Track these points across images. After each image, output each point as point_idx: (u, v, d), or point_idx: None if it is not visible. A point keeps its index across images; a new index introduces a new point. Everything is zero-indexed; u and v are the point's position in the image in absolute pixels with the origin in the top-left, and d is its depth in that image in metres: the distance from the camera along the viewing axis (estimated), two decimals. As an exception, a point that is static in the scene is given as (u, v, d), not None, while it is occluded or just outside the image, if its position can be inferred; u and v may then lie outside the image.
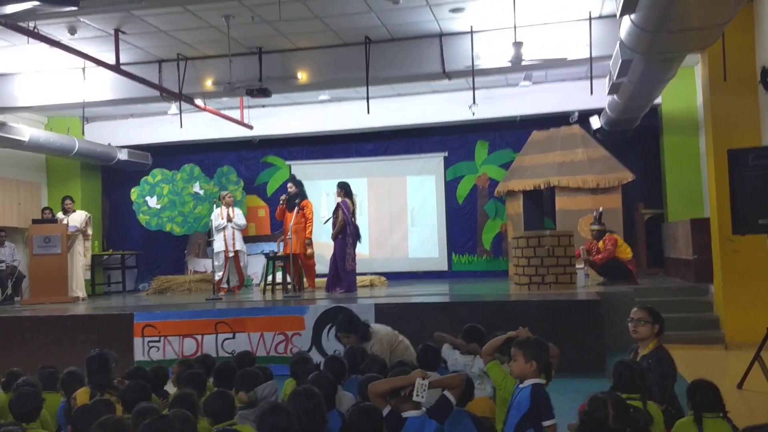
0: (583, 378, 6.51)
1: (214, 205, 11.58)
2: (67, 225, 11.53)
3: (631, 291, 9.01)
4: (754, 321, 7.59)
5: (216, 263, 11.19)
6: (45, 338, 8.55)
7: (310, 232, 10.61)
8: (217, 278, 11.09)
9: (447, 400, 3.71)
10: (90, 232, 12.24)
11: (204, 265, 13.45)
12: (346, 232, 10.08)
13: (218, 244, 11.24)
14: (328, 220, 10.61)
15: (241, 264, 11.70)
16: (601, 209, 10.50)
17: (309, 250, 10.61)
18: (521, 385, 3.82)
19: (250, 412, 4.13)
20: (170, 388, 5.06)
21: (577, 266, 9.88)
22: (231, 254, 11.37)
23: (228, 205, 11.58)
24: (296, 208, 10.39)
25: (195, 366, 5.24)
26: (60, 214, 11.96)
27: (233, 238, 11.42)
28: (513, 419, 3.72)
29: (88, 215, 12.18)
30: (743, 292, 8.24)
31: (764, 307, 6.42)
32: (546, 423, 3.63)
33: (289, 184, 10.86)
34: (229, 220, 11.35)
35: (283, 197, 10.81)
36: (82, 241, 11.94)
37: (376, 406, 3.50)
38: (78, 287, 11.66)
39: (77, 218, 11.86)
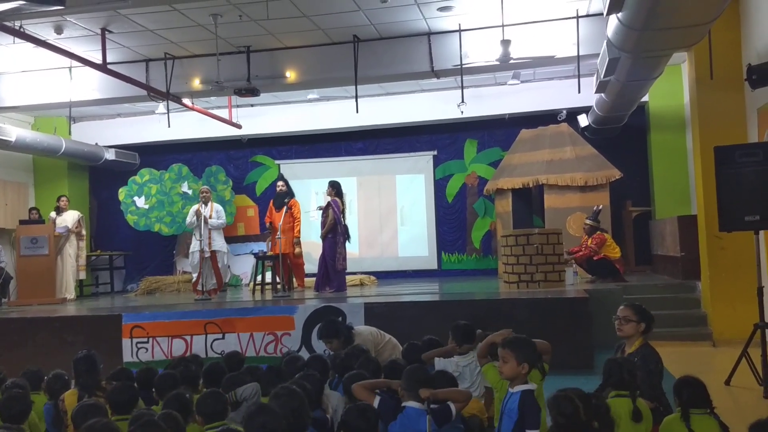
0: (572, 375, 6.53)
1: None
2: (54, 226, 11.45)
3: (619, 288, 9.05)
4: (741, 317, 7.64)
5: (191, 263, 10.78)
6: (33, 340, 8.48)
7: (299, 231, 10.57)
8: (193, 278, 10.76)
9: (449, 410, 3.83)
10: (84, 232, 12.14)
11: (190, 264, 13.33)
12: (336, 231, 10.05)
13: (193, 244, 10.62)
14: (319, 208, 10.43)
15: (220, 265, 10.78)
16: (600, 207, 10.53)
17: (297, 249, 10.58)
18: (512, 390, 3.78)
19: (237, 413, 4.11)
20: None
21: (566, 267, 9.92)
22: (207, 255, 10.50)
23: (205, 202, 10.64)
24: (284, 208, 10.36)
25: (185, 365, 5.24)
26: (52, 214, 11.82)
27: (209, 237, 10.54)
28: (506, 427, 3.71)
29: (81, 215, 12.07)
30: (730, 288, 8.29)
31: (751, 303, 6.43)
32: None
33: (280, 183, 10.76)
34: (206, 222, 10.46)
35: (268, 226, 10.79)
36: (74, 243, 11.83)
37: (372, 406, 3.52)
38: (67, 289, 11.57)
39: (68, 219, 11.73)
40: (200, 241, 10.43)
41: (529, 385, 3.76)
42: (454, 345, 5.42)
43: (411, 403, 3.78)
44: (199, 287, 10.48)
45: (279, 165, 14.34)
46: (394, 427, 3.74)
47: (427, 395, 3.74)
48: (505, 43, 8.95)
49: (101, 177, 14.63)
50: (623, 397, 3.81)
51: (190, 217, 10.70)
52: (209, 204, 10.72)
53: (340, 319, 7.63)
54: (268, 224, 10.83)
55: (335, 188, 10.24)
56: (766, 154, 6.12)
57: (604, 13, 7.03)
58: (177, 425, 3.35)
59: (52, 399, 4.85)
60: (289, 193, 10.60)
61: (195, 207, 10.80)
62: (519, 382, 3.75)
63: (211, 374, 4.89)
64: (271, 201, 10.92)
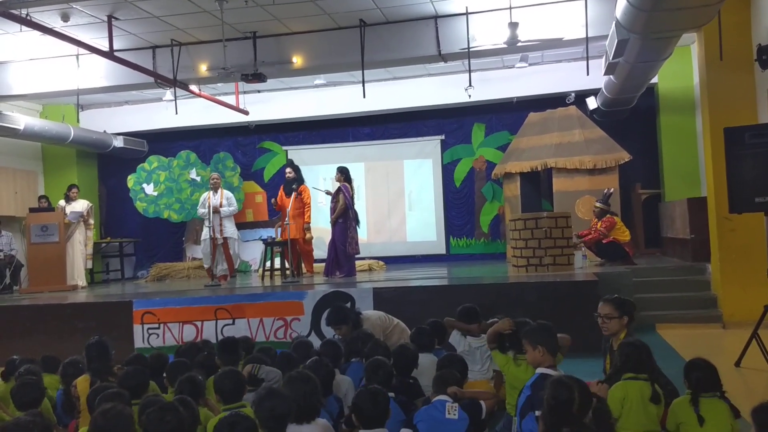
0: (580, 358, 6.54)
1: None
2: (65, 213, 11.51)
3: (628, 271, 9.02)
4: (751, 299, 7.62)
5: (203, 251, 10.85)
6: (44, 327, 8.55)
7: (309, 216, 10.58)
8: (206, 266, 10.87)
9: (480, 406, 3.97)
10: (92, 221, 12.20)
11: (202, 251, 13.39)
12: (347, 216, 10.06)
13: (204, 231, 10.64)
14: (328, 193, 10.38)
15: (232, 252, 10.86)
16: (611, 190, 10.49)
17: (308, 235, 10.59)
18: (536, 371, 3.94)
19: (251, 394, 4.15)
20: None
21: (575, 249, 9.90)
22: (220, 242, 10.62)
23: (215, 188, 10.76)
24: (294, 194, 10.36)
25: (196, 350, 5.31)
26: (61, 202, 11.87)
27: (220, 225, 10.64)
28: (521, 401, 3.82)
29: (90, 204, 12.13)
30: (740, 270, 8.26)
31: (761, 285, 6.42)
32: (537, 413, 3.64)
33: (288, 170, 10.76)
34: (216, 211, 10.53)
35: (273, 200, 10.76)
36: (83, 230, 11.90)
37: (383, 390, 3.55)
38: (78, 276, 11.64)
39: (78, 207, 11.79)
40: (210, 228, 10.48)
41: (549, 369, 3.82)
42: (476, 326, 5.51)
43: (439, 397, 3.91)
44: (213, 272, 10.62)
45: (286, 151, 14.33)
46: (419, 416, 3.82)
47: (454, 390, 3.91)
48: (513, 25, 8.90)
49: (110, 164, 14.68)
50: (639, 380, 3.80)
51: (202, 207, 10.75)
52: (219, 191, 10.78)
53: (348, 304, 7.66)
54: (273, 202, 10.80)
55: (344, 174, 10.24)
56: (777, 135, 6.08)
57: (613, -6, 6.98)
58: (192, 410, 3.37)
59: (65, 384, 4.91)
60: (298, 180, 10.57)
61: (205, 195, 10.86)
62: (542, 365, 3.90)
63: (226, 346, 4.95)
64: (282, 186, 10.93)
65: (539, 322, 4.17)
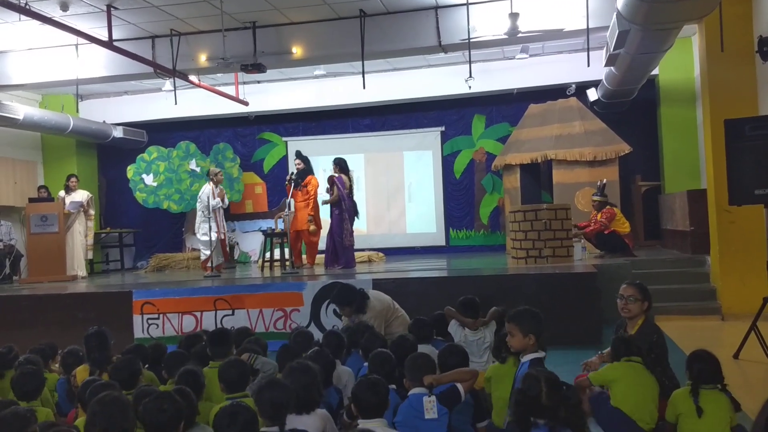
0: (580, 349, 6.55)
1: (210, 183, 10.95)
2: (64, 203, 11.50)
3: (627, 263, 9.04)
4: (750, 291, 7.64)
5: (212, 245, 10.70)
6: (44, 317, 8.56)
7: (312, 208, 10.52)
8: (203, 257, 10.86)
9: (457, 391, 3.79)
10: (92, 212, 12.19)
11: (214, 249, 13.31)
12: (342, 207, 10.05)
13: (211, 226, 10.57)
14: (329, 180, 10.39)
15: (227, 242, 11.15)
16: (605, 181, 10.48)
17: (312, 227, 10.53)
18: (522, 359, 3.87)
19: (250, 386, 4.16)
20: None
21: (574, 240, 9.90)
22: (222, 235, 10.87)
23: (218, 183, 10.89)
24: (298, 185, 10.32)
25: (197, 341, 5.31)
26: (61, 193, 11.86)
27: (222, 219, 10.93)
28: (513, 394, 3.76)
29: (90, 195, 12.12)
30: (740, 262, 8.27)
31: (760, 277, 6.41)
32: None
33: (297, 161, 10.68)
34: (223, 200, 10.82)
35: (288, 177, 10.69)
36: (83, 221, 11.89)
37: (383, 380, 3.52)
38: (78, 266, 11.65)
39: (78, 197, 11.78)
40: (218, 223, 10.69)
41: (539, 353, 3.82)
42: (472, 321, 5.49)
43: (415, 390, 3.74)
44: (209, 264, 10.58)
45: (286, 142, 14.31)
46: (398, 417, 3.68)
47: (431, 381, 3.72)
48: (514, 16, 8.87)
49: (109, 155, 14.66)
50: (632, 361, 3.85)
51: (213, 199, 10.65)
52: (219, 186, 10.90)
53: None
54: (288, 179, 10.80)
55: (339, 165, 10.21)
56: (777, 127, 6.07)
57: (614, -15, 6.95)
58: (190, 400, 3.37)
59: (65, 374, 4.91)
60: (303, 171, 10.47)
61: (208, 188, 10.77)
62: (529, 352, 3.85)
63: (216, 338, 4.92)
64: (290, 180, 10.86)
65: (527, 308, 4.10)
